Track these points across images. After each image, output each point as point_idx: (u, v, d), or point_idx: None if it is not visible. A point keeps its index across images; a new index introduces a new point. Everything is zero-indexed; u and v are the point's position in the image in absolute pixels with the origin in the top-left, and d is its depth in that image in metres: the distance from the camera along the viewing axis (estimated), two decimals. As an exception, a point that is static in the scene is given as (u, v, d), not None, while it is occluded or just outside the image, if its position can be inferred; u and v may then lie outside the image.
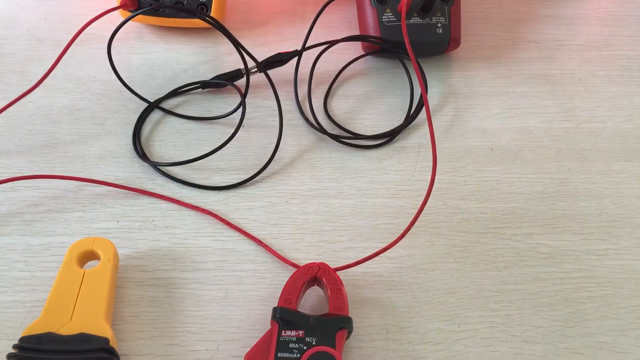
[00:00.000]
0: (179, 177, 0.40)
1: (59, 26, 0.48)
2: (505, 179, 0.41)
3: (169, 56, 0.47)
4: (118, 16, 0.45)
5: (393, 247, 0.35)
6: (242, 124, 0.41)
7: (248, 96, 0.44)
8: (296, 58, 0.45)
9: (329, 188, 0.40)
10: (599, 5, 0.53)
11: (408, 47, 0.41)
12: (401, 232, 0.36)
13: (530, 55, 0.48)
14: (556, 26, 0.51)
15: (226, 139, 0.40)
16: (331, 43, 0.45)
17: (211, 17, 0.41)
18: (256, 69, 0.43)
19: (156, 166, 0.40)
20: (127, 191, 0.39)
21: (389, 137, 0.43)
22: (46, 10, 0.49)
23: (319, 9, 0.47)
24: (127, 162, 0.41)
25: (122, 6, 0.44)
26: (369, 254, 0.36)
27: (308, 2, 0.52)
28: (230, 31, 0.41)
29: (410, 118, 0.43)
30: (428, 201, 0.36)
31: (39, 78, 0.42)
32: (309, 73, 0.45)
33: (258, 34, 0.49)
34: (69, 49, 0.42)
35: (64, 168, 0.40)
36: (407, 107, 0.44)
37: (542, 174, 0.41)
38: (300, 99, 0.44)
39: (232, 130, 0.41)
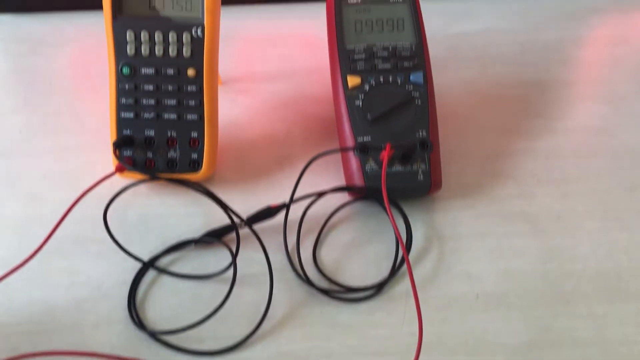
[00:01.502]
0: (173, 343, 0.41)
1: (58, 184, 0.50)
2: (492, 329, 0.42)
3: (163, 210, 0.49)
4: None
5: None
6: (235, 283, 0.43)
7: (240, 250, 0.45)
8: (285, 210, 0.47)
9: (320, 347, 0.41)
10: (573, 136, 0.55)
11: (387, 205, 0.43)
12: (392, 394, 0.37)
13: (509, 192, 0.50)
14: (533, 160, 0.53)
15: (219, 299, 0.42)
16: (318, 195, 0.47)
17: (200, 185, 0.43)
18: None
19: (151, 334, 0.41)
20: (123, 362, 0.40)
21: (377, 288, 0.44)
22: (45, 169, 0.51)
23: (306, 152, 0.49)
24: (123, 328, 0.42)
25: (117, 171, 0.46)
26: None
27: (296, 144, 0.54)
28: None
29: (395, 270, 0.45)
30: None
31: (38, 240, 0.44)
32: (297, 223, 0.47)
33: (248, 182, 0.51)
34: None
35: (61, 339, 0.41)
36: (394, 253, 0.46)
37: (527, 320, 0.42)
38: (289, 250, 0.46)
39: (225, 287, 0.42)
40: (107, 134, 0.49)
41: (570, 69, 0.63)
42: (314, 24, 0.68)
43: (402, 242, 0.41)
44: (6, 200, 0.49)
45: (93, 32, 0.66)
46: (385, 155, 0.46)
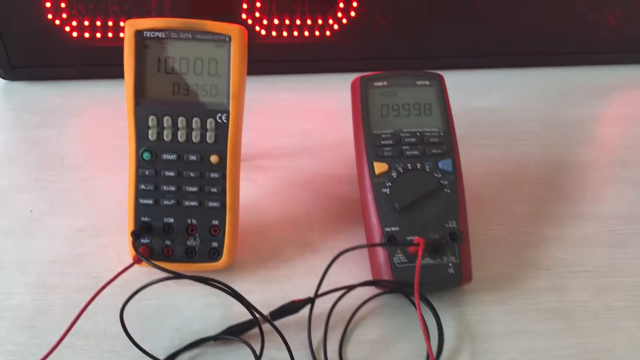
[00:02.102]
0: None
1: (69, 270, 0.48)
2: None
3: (180, 301, 0.46)
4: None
5: None
6: (258, 388, 0.40)
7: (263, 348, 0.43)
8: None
9: None
10: (603, 223, 0.53)
11: (418, 309, 0.41)
12: None
13: (541, 285, 0.48)
14: (564, 249, 0.51)
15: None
16: (346, 290, 0.45)
17: (222, 283, 0.41)
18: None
19: None
20: None
21: (409, 394, 0.41)
22: (56, 252, 0.49)
23: (327, 236, 0.47)
24: None
25: (135, 262, 0.44)
26: None
27: (316, 228, 0.52)
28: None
29: (428, 377, 0.42)
30: None
31: (48, 335, 0.41)
32: (321, 317, 0.45)
33: (268, 269, 0.49)
34: (81, 299, 0.41)
35: None
36: (425, 356, 0.43)
37: None
38: (314, 348, 0.44)
39: (247, 392, 0.40)
40: (123, 213, 0.47)
41: (593, 149, 0.62)
42: (334, 96, 0.67)
43: (431, 354, 0.39)
44: (14, 288, 0.47)
45: (108, 102, 0.65)
46: (419, 252, 0.44)
